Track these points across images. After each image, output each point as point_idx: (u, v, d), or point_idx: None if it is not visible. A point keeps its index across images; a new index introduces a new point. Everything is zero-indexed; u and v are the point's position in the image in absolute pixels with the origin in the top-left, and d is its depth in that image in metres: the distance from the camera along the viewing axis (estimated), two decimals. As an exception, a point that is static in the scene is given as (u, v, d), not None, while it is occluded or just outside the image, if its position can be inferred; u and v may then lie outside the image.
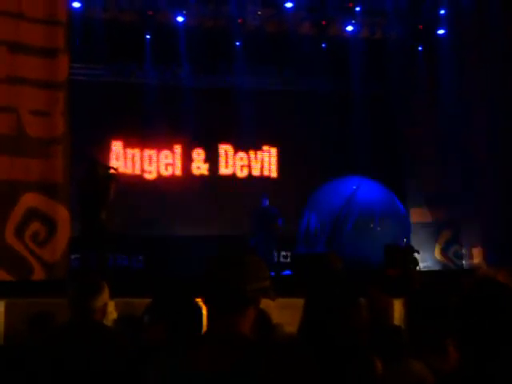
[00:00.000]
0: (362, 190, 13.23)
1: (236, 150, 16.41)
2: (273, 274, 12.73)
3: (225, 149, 16.34)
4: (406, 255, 10.88)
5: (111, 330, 4.12)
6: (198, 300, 3.22)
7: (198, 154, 16.14)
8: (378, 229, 12.73)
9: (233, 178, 16.36)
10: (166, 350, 2.55)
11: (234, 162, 16.42)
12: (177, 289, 3.60)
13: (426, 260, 15.00)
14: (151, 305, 3.52)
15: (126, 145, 15.72)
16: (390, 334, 4.24)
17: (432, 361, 2.84)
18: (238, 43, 15.51)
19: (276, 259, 14.29)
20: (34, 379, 3.58)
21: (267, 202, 14.07)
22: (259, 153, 16.59)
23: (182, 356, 2.31)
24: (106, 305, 3.87)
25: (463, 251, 14.72)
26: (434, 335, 2.88)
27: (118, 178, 11.53)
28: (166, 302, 3.48)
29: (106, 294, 3.86)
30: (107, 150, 15.47)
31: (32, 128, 10.26)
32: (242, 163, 16.47)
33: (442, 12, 14.84)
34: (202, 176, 16.15)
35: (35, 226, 10.18)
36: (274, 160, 16.68)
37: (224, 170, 16.36)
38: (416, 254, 10.98)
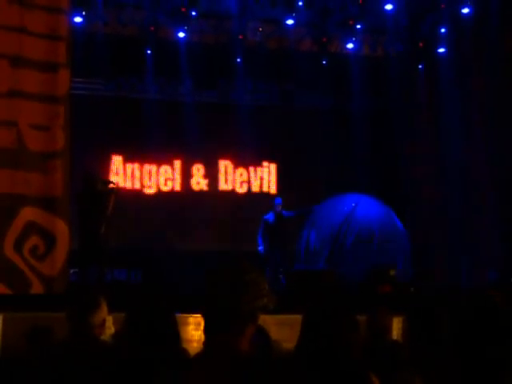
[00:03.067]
0: (361, 206, 13.22)
1: (236, 166, 16.40)
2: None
3: (224, 164, 16.33)
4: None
5: (109, 345, 4.09)
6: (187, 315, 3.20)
7: (198, 170, 16.12)
8: (377, 246, 12.71)
9: (232, 193, 16.34)
10: (165, 368, 2.53)
11: (233, 178, 16.41)
12: (151, 302, 3.55)
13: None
14: (126, 318, 3.47)
15: (126, 159, 15.71)
16: (391, 349, 4.23)
17: (432, 375, 2.83)
18: (238, 59, 15.51)
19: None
20: None
21: (279, 208, 13.32)
22: (259, 169, 16.58)
23: (181, 375, 2.29)
24: (104, 320, 3.84)
25: (461, 269, 14.68)
26: (434, 350, 2.88)
27: (118, 192, 11.52)
28: (140, 315, 3.43)
29: (104, 310, 3.83)
30: (107, 164, 15.46)
31: (32, 142, 10.25)
32: (241, 179, 16.45)
33: (443, 30, 14.89)
34: (201, 191, 16.13)
35: (34, 240, 10.15)
36: (273, 176, 16.66)
37: (224, 186, 16.34)
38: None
